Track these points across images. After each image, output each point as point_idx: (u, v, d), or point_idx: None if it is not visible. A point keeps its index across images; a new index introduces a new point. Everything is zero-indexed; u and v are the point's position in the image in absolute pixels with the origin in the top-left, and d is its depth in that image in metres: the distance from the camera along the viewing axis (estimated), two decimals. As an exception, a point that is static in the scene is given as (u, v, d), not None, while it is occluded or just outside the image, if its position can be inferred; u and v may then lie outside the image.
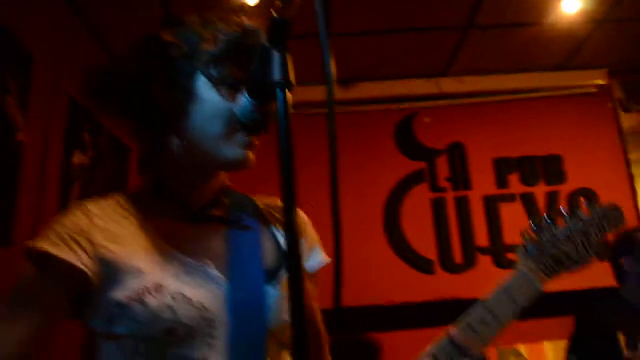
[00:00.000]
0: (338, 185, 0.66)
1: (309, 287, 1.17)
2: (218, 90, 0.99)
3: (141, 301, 0.91)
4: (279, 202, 1.19)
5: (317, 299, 1.21)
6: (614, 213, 1.16)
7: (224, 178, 1.14)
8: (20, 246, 2.10)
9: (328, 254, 1.17)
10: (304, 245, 1.18)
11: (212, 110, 1.00)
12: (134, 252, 0.97)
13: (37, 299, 0.92)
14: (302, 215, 1.23)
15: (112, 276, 0.94)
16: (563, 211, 1.15)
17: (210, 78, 1.00)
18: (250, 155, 1.03)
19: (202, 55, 1.00)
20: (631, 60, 3.77)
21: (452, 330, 1.10)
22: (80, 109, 2.69)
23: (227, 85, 0.99)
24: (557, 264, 1.11)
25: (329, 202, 0.67)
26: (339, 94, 3.68)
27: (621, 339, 2.44)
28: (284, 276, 1.03)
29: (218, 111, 0.99)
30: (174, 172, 1.07)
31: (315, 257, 1.19)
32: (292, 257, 0.68)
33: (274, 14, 0.77)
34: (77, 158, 2.64)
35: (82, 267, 0.92)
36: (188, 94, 1.01)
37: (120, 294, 0.92)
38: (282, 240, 1.12)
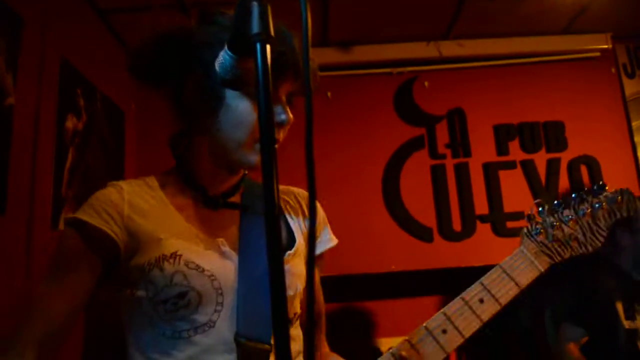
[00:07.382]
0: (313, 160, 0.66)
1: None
2: (247, 100, 1.08)
3: (159, 266, 1.05)
4: (291, 189, 1.36)
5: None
6: (626, 198, 1.14)
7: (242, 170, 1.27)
8: (15, 213, 2.10)
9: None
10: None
11: (240, 120, 1.09)
12: (157, 226, 1.11)
13: (80, 260, 1.07)
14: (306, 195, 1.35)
15: (136, 245, 1.08)
16: (572, 194, 1.16)
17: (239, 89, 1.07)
18: None
19: None
20: (636, 25, 3.67)
21: (448, 308, 1.10)
22: (74, 72, 2.64)
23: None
24: (563, 247, 1.10)
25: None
26: (337, 57, 3.63)
27: (619, 308, 2.46)
28: (290, 255, 1.19)
29: (244, 122, 1.08)
30: (199, 164, 1.20)
31: (323, 237, 1.34)
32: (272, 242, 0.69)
33: None
34: (71, 122, 2.61)
35: (112, 234, 1.07)
36: (218, 100, 1.09)
37: (142, 260, 1.07)
38: (292, 225, 1.28)
